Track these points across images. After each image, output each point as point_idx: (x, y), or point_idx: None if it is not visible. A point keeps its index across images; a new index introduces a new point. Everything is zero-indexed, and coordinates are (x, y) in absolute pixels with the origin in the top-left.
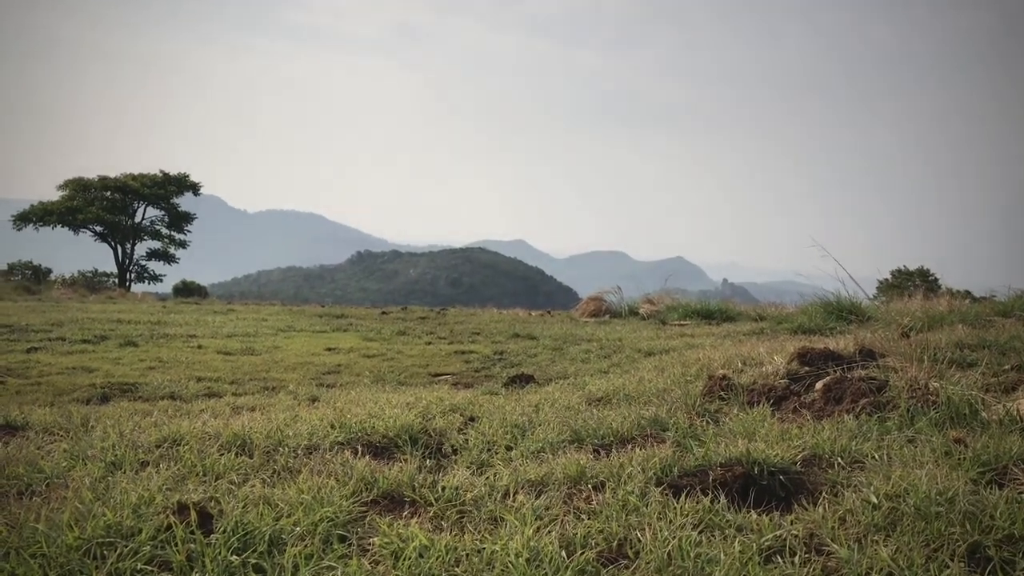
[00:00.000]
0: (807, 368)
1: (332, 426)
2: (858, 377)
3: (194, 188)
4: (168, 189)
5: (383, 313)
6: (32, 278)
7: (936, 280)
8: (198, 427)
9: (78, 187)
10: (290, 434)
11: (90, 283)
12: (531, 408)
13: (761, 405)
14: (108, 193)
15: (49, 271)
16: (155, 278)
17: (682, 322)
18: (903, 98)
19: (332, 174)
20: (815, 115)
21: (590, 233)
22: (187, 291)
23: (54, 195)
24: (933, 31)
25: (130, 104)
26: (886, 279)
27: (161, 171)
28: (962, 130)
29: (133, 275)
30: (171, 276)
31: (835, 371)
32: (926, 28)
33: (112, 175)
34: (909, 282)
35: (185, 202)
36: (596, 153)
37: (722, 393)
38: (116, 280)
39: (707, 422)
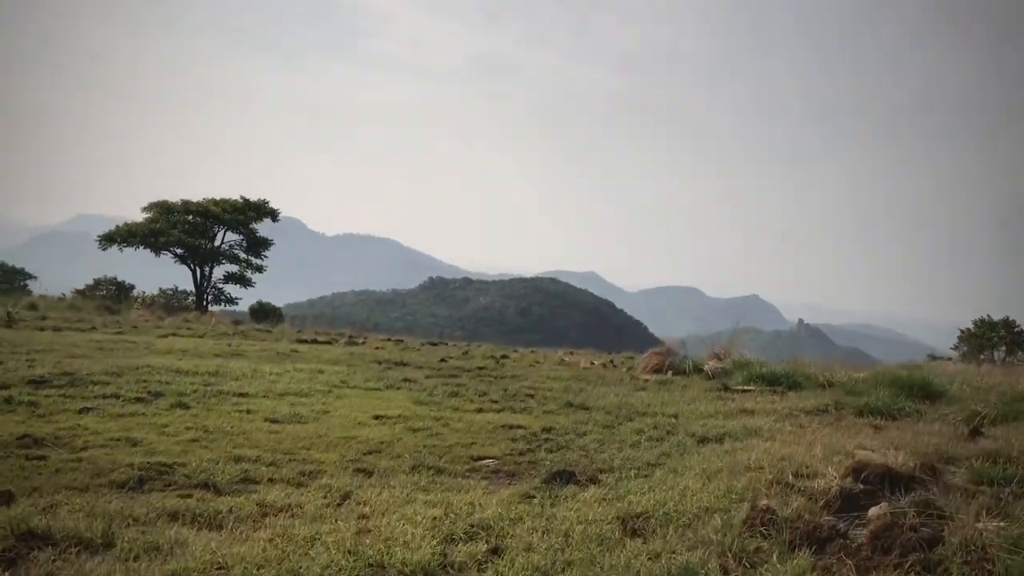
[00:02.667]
0: (862, 487)
1: (349, 552)
2: (909, 525)
3: (273, 214)
4: (248, 215)
5: (442, 361)
6: (115, 294)
7: (1021, 332)
8: (207, 558)
9: (162, 210)
10: (303, 568)
11: (168, 303)
12: (560, 539)
13: (802, 551)
14: (190, 217)
15: (132, 287)
16: (231, 300)
17: (746, 387)
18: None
19: (408, 201)
20: (903, 149)
21: (663, 268)
22: (263, 312)
23: (138, 215)
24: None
25: (215, 130)
26: (968, 329)
27: (242, 197)
28: None
29: (210, 297)
30: (251, 295)
31: (890, 498)
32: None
33: (195, 199)
34: (993, 333)
35: (265, 224)
36: (672, 188)
37: (763, 529)
38: (194, 299)
39: (744, 568)
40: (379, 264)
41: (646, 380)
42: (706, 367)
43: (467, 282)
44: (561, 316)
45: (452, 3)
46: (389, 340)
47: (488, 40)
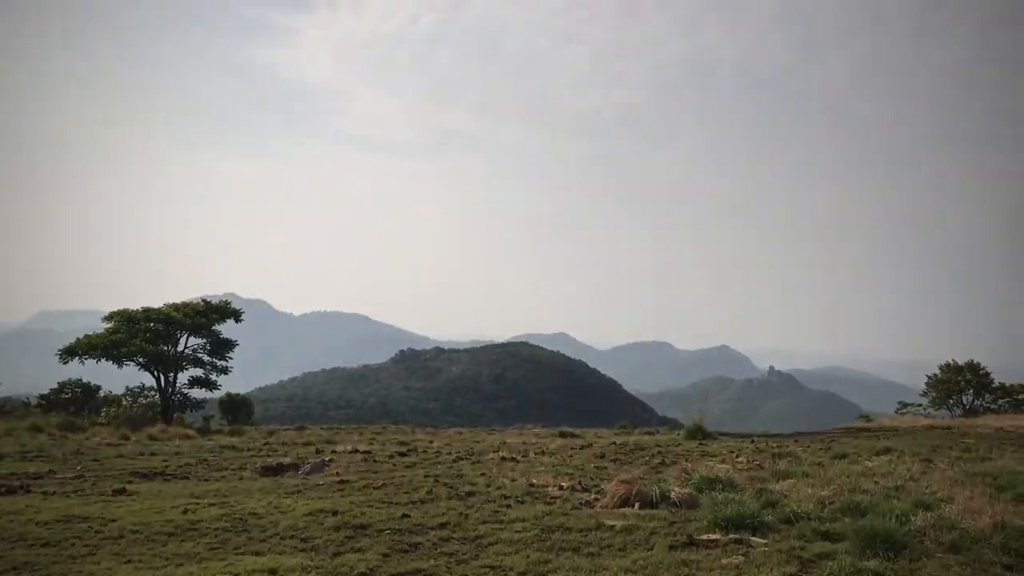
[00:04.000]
0: None
1: None
2: None
3: (236, 315)
4: (210, 317)
5: (405, 518)
6: (81, 398)
7: (987, 375)
8: None
9: (123, 319)
10: None
11: (132, 418)
12: None
13: None
14: (152, 324)
15: (98, 388)
16: (197, 406)
17: (710, 536)
18: (965, 164)
19: (375, 275)
20: (864, 187)
21: (632, 324)
22: (233, 405)
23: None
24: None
25: (178, 216)
26: (935, 375)
27: (203, 300)
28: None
29: (176, 403)
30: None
31: None
32: (939, 99)
33: (156, 305)
34: (959, 377)
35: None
36: (636, 245)
37: None
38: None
39: None
40: (349, 340)
41: (611, 526)
42: (673, 494)
43: (438, 352)
44: (536, 380)
45: (404, 81)
46: (356, 452)
47: (440, 112)
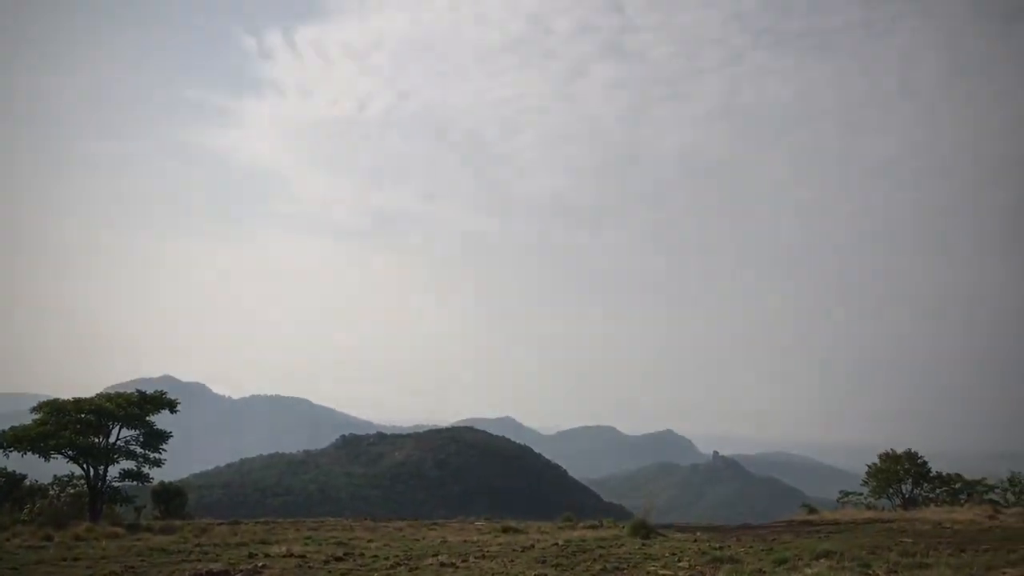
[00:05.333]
0: None
1: None
2: None
3: (171, 406)
4: (145, 408)
5: None
6: (5, 489)
7: (925, 464)
8: None
9: (52, 410)
10: None
11: (58, 513)
12: None
13: None
14: (83, 415)
15: (24, 476)
16: (128, 501)
17: None
18: (899, 256)
19: (317, 357)
20: (813, 279)
21: (577, 408)
22: (166, 494)
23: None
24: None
25: (111, 294)
26: (875, 464)
27: (137, 391)
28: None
29: (106, 497)
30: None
31: None
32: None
33: (87, 390)
34: (898, 467)
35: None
36: (579, 328)
37: None
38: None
39: None
40: (289, 425)
41: None
42: None
43: (381, 437)
44: (480, 466)
45: (349, 164)
46: (291, 556)
47: (387, 196)
